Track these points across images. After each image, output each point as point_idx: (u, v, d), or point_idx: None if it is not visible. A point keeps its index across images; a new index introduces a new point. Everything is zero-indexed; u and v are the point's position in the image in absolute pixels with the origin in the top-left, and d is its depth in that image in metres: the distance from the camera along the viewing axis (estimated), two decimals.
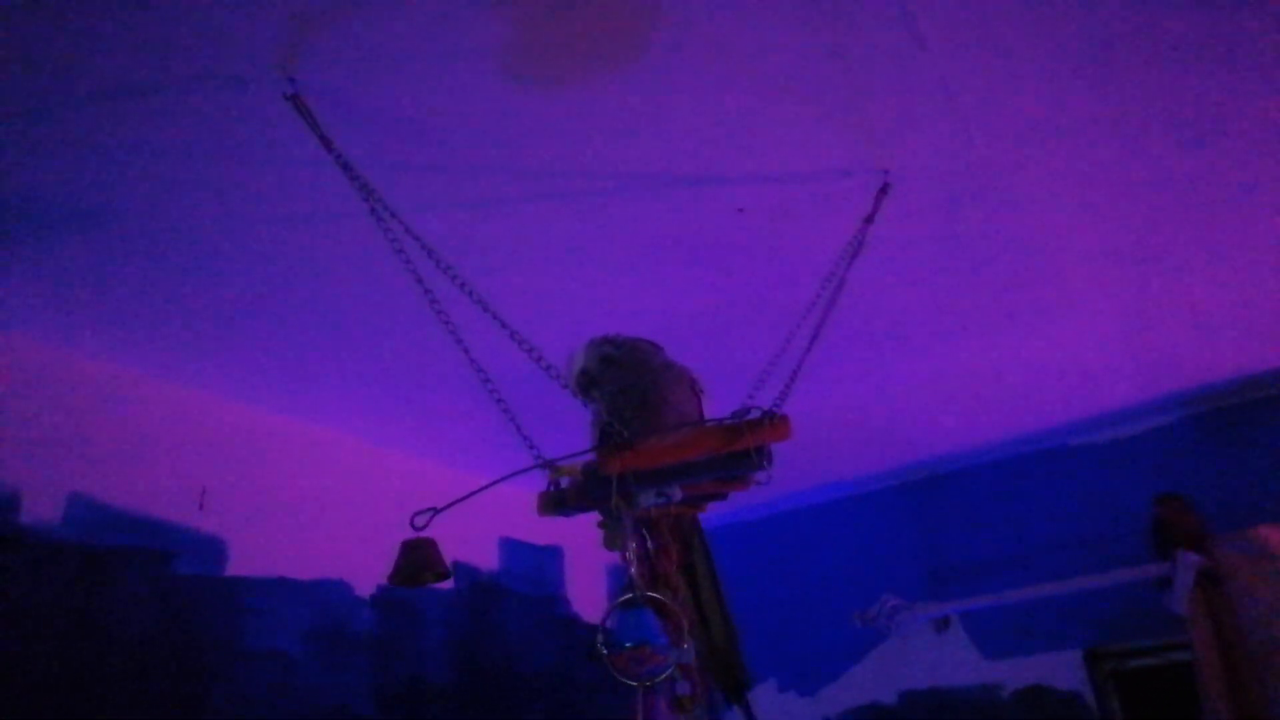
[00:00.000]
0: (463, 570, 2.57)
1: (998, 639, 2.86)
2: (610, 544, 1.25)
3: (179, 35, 1.15)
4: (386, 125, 1.32)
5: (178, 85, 1.23)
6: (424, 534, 1.12)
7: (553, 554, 2.87)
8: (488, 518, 2.49)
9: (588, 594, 2.94)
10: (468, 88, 1.28)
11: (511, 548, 2.74)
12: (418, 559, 1.11)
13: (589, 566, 2.96)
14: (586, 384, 1.38)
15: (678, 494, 1.25)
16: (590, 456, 1.24)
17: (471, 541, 2.60)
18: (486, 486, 1.19)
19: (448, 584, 2.52)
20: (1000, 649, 2.85)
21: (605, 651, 1.05)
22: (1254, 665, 2.40)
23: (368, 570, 2.25)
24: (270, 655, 2.02)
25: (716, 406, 1.44)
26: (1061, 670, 2.75)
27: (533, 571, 2.79)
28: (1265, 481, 2.60)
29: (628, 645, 1.06)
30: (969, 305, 2.07)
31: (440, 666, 2.40)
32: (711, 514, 1.45)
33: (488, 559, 2.66)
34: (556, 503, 1.27)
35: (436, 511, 1.11)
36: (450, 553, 2.54)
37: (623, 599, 1.09)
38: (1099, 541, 2.75)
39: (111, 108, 1.25)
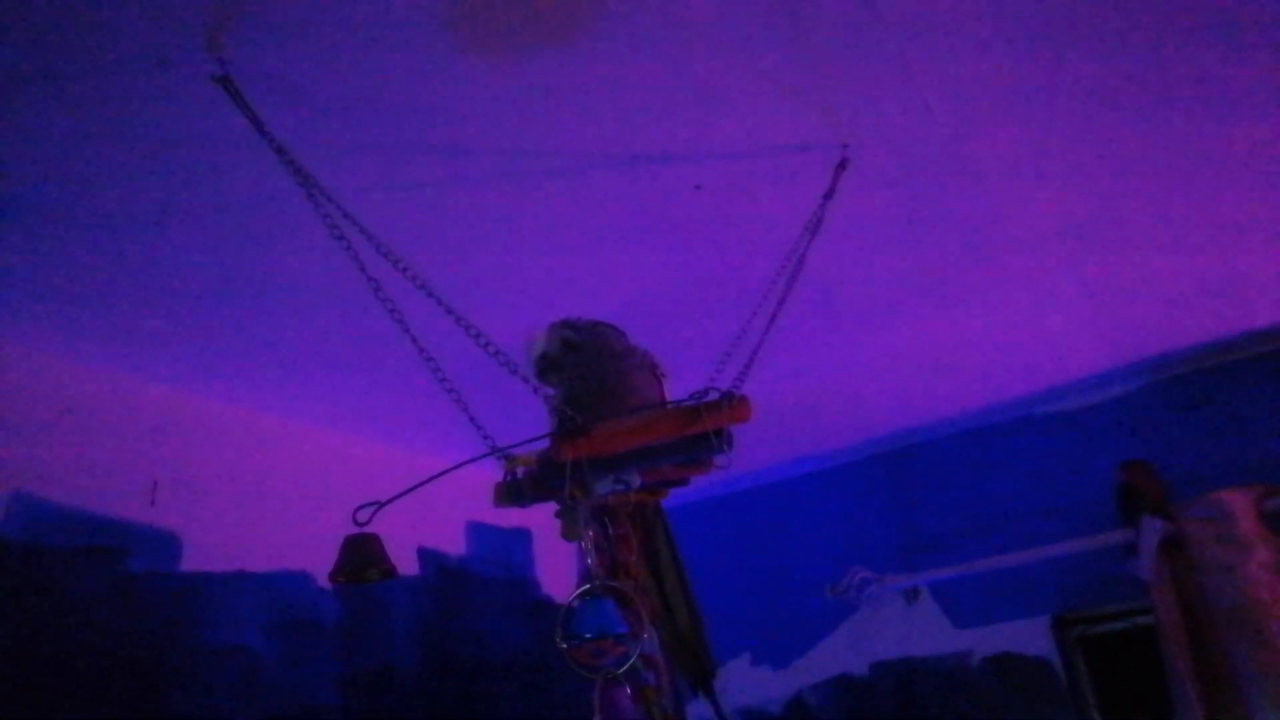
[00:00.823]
0: (429, 556, 2.53)
1: (967, 608, 2.87)
2: (568, 534, 1.23)
3: (101, 16, 1.09)
4: (323, 105, 1.27)
5: (102, 69, 1.17)
6: (369, 529, 1.08)
7: (521, 537, 2.85)
8: (454, 503, 2.46)
9: (558, 576, 2.91)
10: (409, 64, 1.23)
11: (479, 532, 2.70)
12: (361, 556, 1.07)
13: (558, 549, 2.93)
14: (546, 368, 1.35)
15: (636, 480, 1.22)
16: (545, 444, 1.20)
17: (438, 527, 2.56)
18: (434, 477, 1.15)
19: (414, 570, 2.49)
20: (969, 617, 2.87)
21: (564, 645, 1.03)
22: (1216, 627, 2.44)
23: (329, 560, 2.18)
24: (231, 651, 1.98)
25: (679, 389, 1.41)
26: (1029, 637, 2.78)
27: (501, 555, 2.76)
28: (1227, 446, 2.62)
29: (588, 637, 1.04)
30: (932, 278, 2.05)
31: (409, 655, 2.37)
32: (682, 490, 1.42)
33: (455, 544, 2.63)
34: (513, 494, 1.23)
35: (380, 505, 1.07)
36: (416, 539, 2.55)
37: (581, 590, 1.06)
38: (1065, 509, 2.77)
39: (34, 93, 1.19)
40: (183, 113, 1.25)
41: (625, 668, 1.04)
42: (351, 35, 1.17)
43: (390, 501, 1.08)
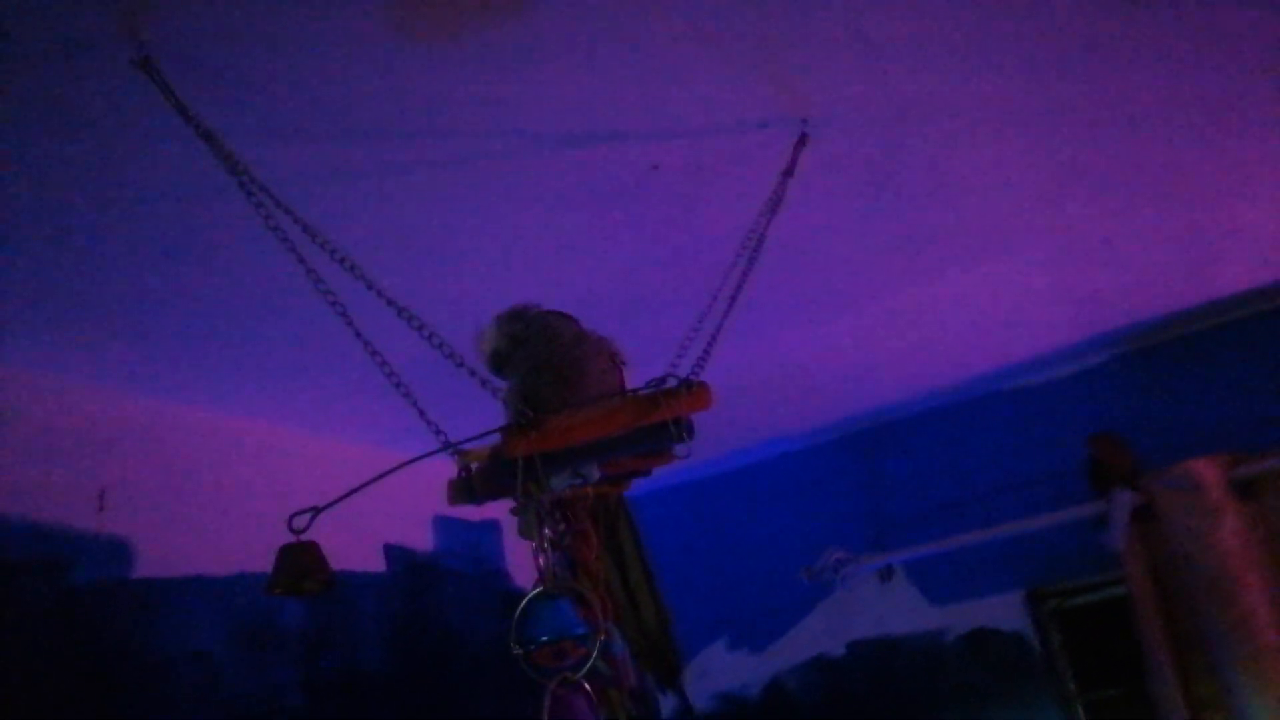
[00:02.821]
0: (396, 552, 2.48)
1: (942, 585, 2.87)
2: (525, 532, 1.18)
3: None
4: (254, 89, 1.20)
5: (9, 52, 1.09)
6: (311, 534, 1.03)
7: (490, 529, 2.80)
8: (420, 497, 2.40)
9: (530, 568, 2.86)
10: (343, 43, 1.17)
11: (447, 526, 2.65)
12: (298, 566, 1.02)
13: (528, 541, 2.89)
14: (499, 364, 1.30)
15: (595, 474, 1.18)
16: (498, 438, 1.15)
17: (404, 522, 2.51)
18: (377, 478, 1.10)
19: (381, 568, 2.43)
20: (944, 595, 2.86)
21: (518, 650, 0.98)
22: (1188, 596, 2.45)
23: None
24: (190, 659, 1.91)
25: (641, 376, 1.36)
26: (1004, 612, 2.78)
27: (470, 549, 2.71)
28: (1195, 416, 2.62)
29: (544, 640, 0.99)
30: (895, 255, 2.02)
31: (377, 655, 2.31)
32: (650, 477, 1.38)
33: (422, 539, 2.57)
34: (465, 491, 1.19)
35: (318, 511, 1.02)
36: (382, 535, 2.49)
37: (534, 592, 1.02)
38: (1037, 483, 2.77)
39: None
40: (104, 100, 1.17)
41: (585, 670, 0.99)
42: (283, 13, 1.11)
43: (328, 507, 1.03)
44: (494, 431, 1.13)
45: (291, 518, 1.02)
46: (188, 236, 1.48)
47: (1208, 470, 2.46)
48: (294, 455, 2.29)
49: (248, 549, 2.08)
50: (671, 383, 1.16)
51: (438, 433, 1.19)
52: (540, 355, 1.25)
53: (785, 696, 3.02)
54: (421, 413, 1.17)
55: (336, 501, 1.03)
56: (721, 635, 3.14)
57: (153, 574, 1.90)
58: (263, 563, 2.08)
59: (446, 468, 1.28)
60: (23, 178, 1.29)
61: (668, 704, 2.58)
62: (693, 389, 1.15)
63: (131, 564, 1.88)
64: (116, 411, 1.94)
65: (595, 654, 1.01)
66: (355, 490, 1.04)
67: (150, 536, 1.91)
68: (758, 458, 3.22)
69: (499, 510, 2.77)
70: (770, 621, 3.08)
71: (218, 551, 2.03)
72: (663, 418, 1.12)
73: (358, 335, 1.16)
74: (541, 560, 1.04)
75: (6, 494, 1.71)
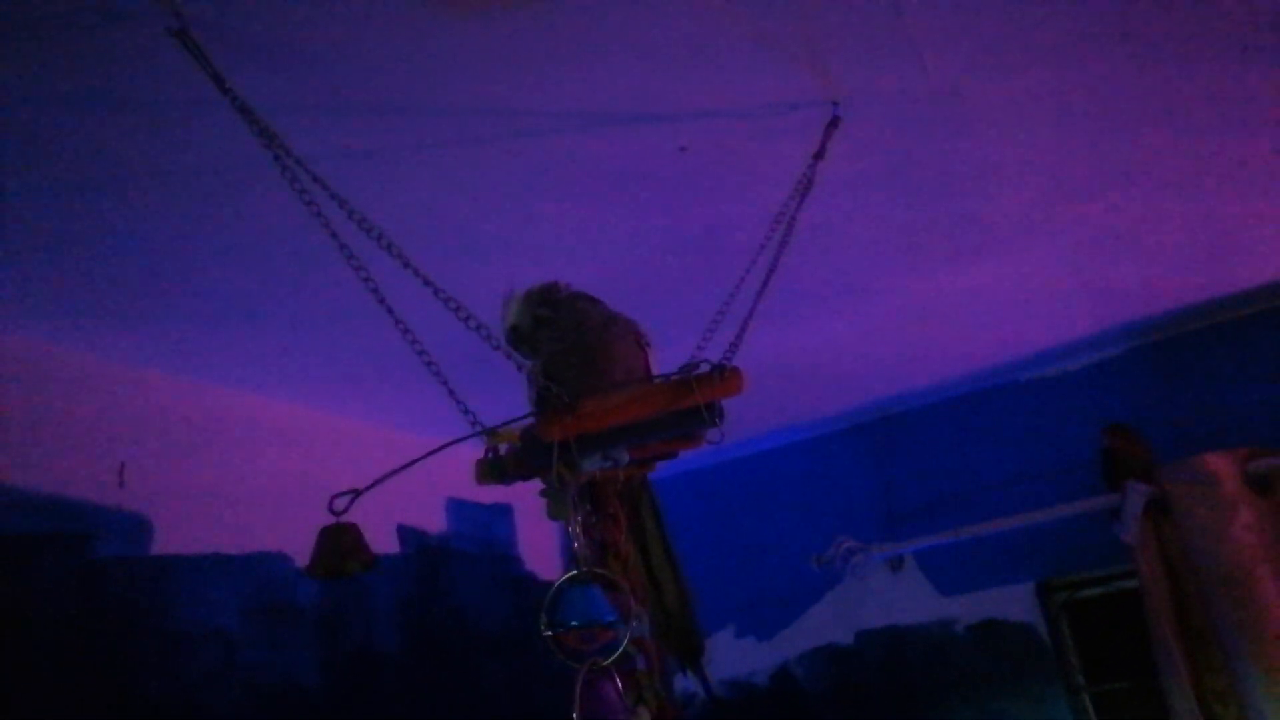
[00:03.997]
0: (409, 534, 2.48)
1: (952, 575, 2.87)
2: (554, 514, 1.18)
3: None
4: (288, 62, 1.19)
5: (45, 22, 1.08)
6: (346, 518, 1.02)
7: (502, 512, 2.80)
8: (433, 479, 2.40)
9: (540, 551, 2.87)
10: (379, 18, 1.16)
11: (459, 508, 2.65)
12: (339, 547, 1.02)
13: (540, 523, 2.88)
14: (516, 340, 1.29)
15: (625, 457, 1.17)
16: (531, 421, 1.15)
17: (417, 504, 2.51)
18: (418, 460, 1.09)
19: (394, 549, 2.43)
20: (954, 585, 2.86)
21: (549, 633, 0.98)
22: (1201, 590, 2.44)
23: (307, 541, 2.13)
24: (207, 636, 1.92)
25: (665, 358, 1.36)
26: (1014, 603, 2.78)
27: (482, 532, 2.71)
28: (1211, 409, 2.61)
29: (574, 624, 0.99)
30: (918, 242, 2.01)
31: (390, 635, 2.32)
32: (662, 464, 1.38)
33: (435, 521, 2.57)
34: (494, 471, 1.18)
35: (358, 494, 1.01)
36: (395, 517, 2.49)
37: (567, 576, 1.01)
38: (1050, 474, 2.76)
39: None
40: (137, 70, 1.16)
41: (615, 656, 0.99)
42: None
43: (369, 489, 1.02)
44: (529, 416, 1.13)
45: (332, 499, 1.01)
46: (215, 210, 1.48)
47: (1223, 464, 2.45)
48: (311, 434, 2.29)
49: (264, 528, 2.09)
50: (704, 368, 1.15)
51: (466, 412, 1.19)
52: (569, 338, 1.25)
53: (793, 684, 3.03)
54: (453, 393, 1.16)
55: (376, 484, 1.03)
56: (730, 622, 3.14)
57: (171, 550, 1.91)
58: (279, 542, 2.11)
59: (460, 450, 1.27)
60: (52, 151, 1.29)
61: (684, 684, 2.58)
62: (725, 374, 1.14)
63: (151, 540, 1.88)
64: (138, 389, 1.94)
65: (625, 640, 1.00)
66: (394, 473, 1.04)
67: (170, 513, 1.91)
68: (769, 445, 3.22)
69: (511, 494, 2.79)
70: (779, 609, 3.08)
71: (235, 529, 2.03)
72: (695, 403, 1.12)
73: (391, 314, 1.15)
74: (576, 545, 1.04)
75: (30, 468, 1.71)
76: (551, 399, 1.10)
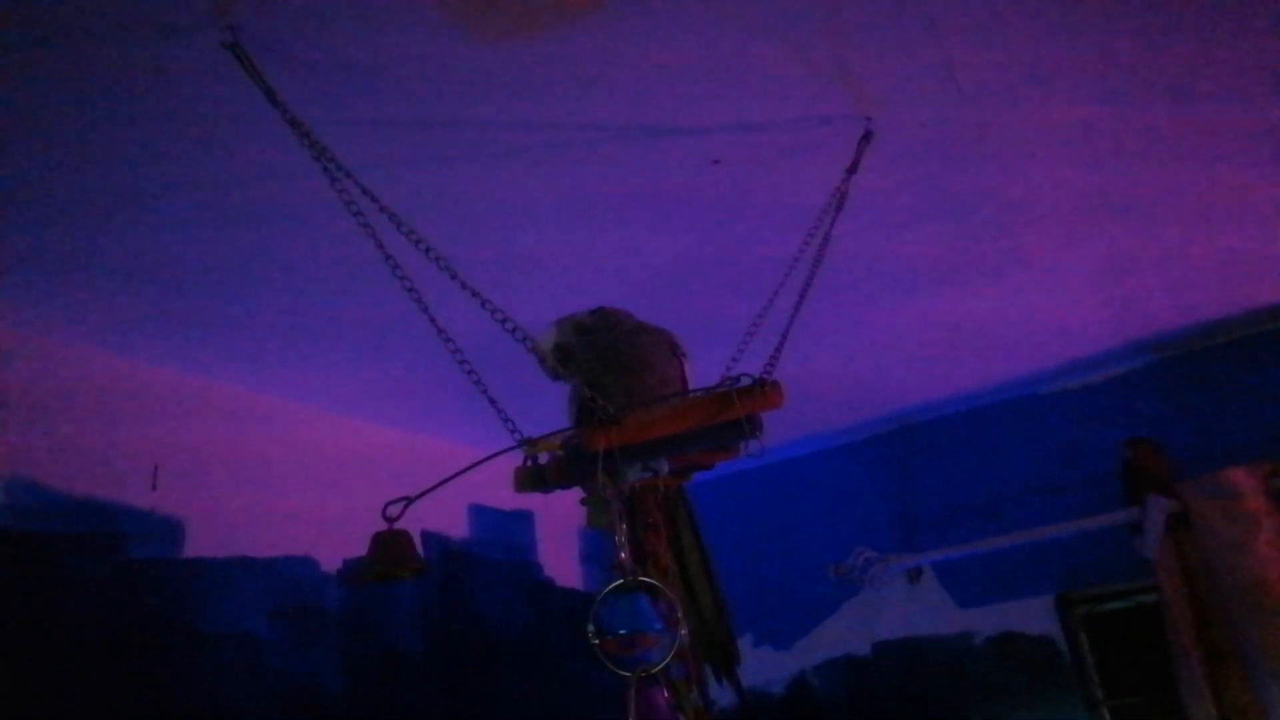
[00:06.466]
0: (432, 540, 2.49)
1: (971, 587, 2.86)
2: (595, 522, 1.19)
3: None
4: (335, 77, 1.21)
5: (102, 36, 1.10)
6: (396, 525, 1.04)
7: (523, 519, 2.81)
8: (455, 485, 2.41)
9: (560, 559, 2.88)
10: (422, 35, 1.18)
11: (481, 514, 2.67)
12: (391, 553, 1.03)
13: (560, 530, 2.90)
14: (564, 358, 1.30)
15: (664, 467, 1.19)
16: (573, 432, 1.16)
17: (440, 510, 2.52)
18: (467, 469, 1.11)
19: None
20: (973, 597, 2.86)
21: (595, 641, 0.99)
22: (1222, 605, 2.44)
23: (334, 545, 2.16)
24: (235, 637, 1.94)
25: (698, 368, 1.37)
26: (1033, 616, 2.77)
27: (503, 538, 2.72)
28: (1233, 425, 2.61)
29: (621, 633, 1.00)
30: (947, 255, 2.02)
31: (413, 639, 2.33)
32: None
33: (457, 527, 2.59)
34: (535, 479, 1.19)
35: (410, 501, 1.03)
36: (418, 522, 2.49)
37: (614, 585, 1.03)
38: (1070, 488, 2.76)
39: (26, 62, 1.12)
40: (189, 83, 1.19)
41: (661, 664, 1.00)
42: (365, 4, 1.12)
43: (420, 496, 1.04)
44: (573, 429, 1.14)
45: (386, 506, 1.03)
46: (259, 220, 1.50)
47: (1245, 479, 2.45)
48: (341, 441, 2.31)
49: (293, 531, 2.10)
50: (745, 381, 1.17)
51: (506, 421, 1.20)
52: (605, 344, 1.26)
53: (809, 694, 3.03)
54: (494, 403, 1.18)
55: (428, 491, 1.04)
56: (747, 631, 3.14)
57: (202, 553, 1.93)
58: (306, 545, 2.13)
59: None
60: (105, 159, 1.31)
61: (722, 695, 2.58)
62: (766, 387, 1.15)
63: (183, 542, 1.90)
64: (173, 391, 1.96)
65: (674, 648, 1.01)
66: (445, 481, 1.06)
67: (200, 516, 1.93)
68: (789, 454, 3.22)
69: (531, 500, 2.79)
70: (797, 619, 3.08)
71: (264, 533, 2.05)
72: (736, 416, 1.13)
73: (433, 323, 1.17)
74: (622, 554, 1.05)
75: (66, 469, 1.73)
76: (597, 410, 1.11)
